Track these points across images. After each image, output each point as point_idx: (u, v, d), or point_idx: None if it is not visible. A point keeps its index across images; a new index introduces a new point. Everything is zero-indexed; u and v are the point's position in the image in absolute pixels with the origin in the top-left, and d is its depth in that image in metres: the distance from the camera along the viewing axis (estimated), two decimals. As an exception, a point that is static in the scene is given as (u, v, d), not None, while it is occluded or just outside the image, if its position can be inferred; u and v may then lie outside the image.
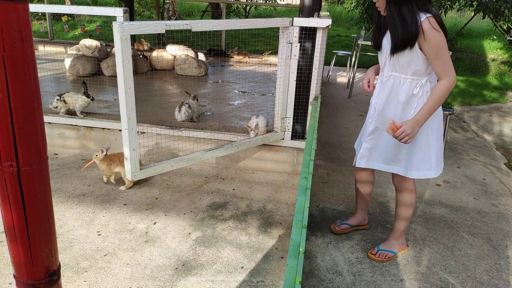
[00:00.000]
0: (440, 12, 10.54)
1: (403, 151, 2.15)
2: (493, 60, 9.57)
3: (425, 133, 2.08)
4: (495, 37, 10.61)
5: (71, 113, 3.65)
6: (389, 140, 2.13)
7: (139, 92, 4.75)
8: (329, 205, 2.99)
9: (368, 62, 8.81)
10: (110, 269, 2.12)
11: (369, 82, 2.23)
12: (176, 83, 5.48)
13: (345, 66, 7.97)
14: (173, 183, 3.14)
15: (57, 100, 3.60)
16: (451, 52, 5.80)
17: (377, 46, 2.11)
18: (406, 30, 1.84)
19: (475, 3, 9.90)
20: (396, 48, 1.91)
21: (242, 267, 2.21)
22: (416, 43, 1.86)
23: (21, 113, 0.83)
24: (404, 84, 2.02)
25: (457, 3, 10.27)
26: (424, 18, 1.81)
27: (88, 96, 3.56)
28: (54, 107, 3.63)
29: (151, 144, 3.45)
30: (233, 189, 3.09)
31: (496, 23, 10.00)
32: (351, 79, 6.49)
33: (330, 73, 7.45)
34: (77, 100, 3.56)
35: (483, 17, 10.23)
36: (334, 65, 7.64)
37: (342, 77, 7.74)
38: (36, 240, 0.90)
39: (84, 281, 2.02)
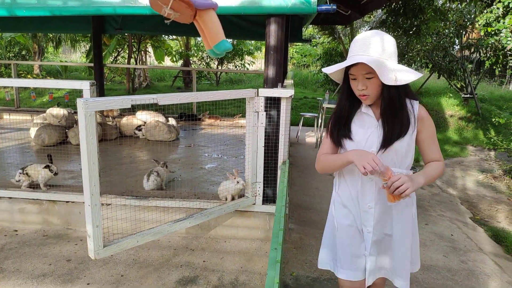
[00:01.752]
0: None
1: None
2: (451, 116, 10.17)
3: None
4: (451, 95, 11.37)
5: (34, 186, 3.52)
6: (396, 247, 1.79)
7: (107, 160, 4.68)
8: (303, 273, 2.92)
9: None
10: None
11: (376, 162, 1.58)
12: (145, 149, 5.45)
13: (313, 126, 8.23)
14: (140, 257, 3.01)
15: (20, 173, 3.48)
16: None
17: (348, 138, 1.73)
18: (407, 116, 1.63)
19: (430, 64, 10.72)
20: (396, 138, 1.63)
21: None
22: (415, 131, 1.67)
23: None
24: None
25: (413, 64, 11.08)
26: (418, 105, 1.67)
27: (51, 171, 3.46)
28: (16, 181, 3.51)
29: (117, 217, 3.34)
30: (204, 261, 2.98)
31: (450, 82, 10.77)
32: (319, 139, 6.68)
33: (299, 134, 7.66)
34: (39, 172, 3.46)
35: (438, 77, 11.03)
36: (303, 125, 7.89)
37: (311, 137, 7.96)
38: None
39: None
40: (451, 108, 10.62)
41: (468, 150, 7.89)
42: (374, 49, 1.54)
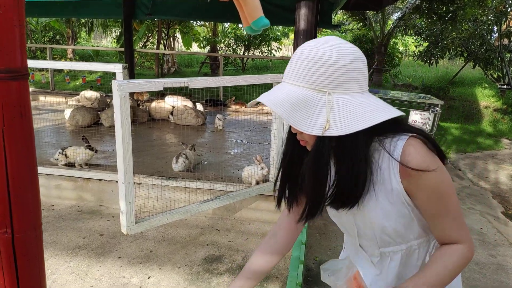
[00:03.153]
0: (431, 62, 10.96)
1: None
2: (486, 107, 9.81)
3: None
4: (486, 85, 10.96)
5: (70, 165, 3.69)
6: None
7: (138, 142, 4.83)
8: (326, 258, 2.95)
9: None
10: (101, 329, 2.07)
11: None
12: (174, 133, 5.58)
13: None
14: (168, 235, 3.12)
15: (59, 153, 3.65)
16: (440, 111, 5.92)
17: (315, 211, 1.02)
18: (360, 173, 0.93)
19: (465, 53, 10.33)
20: (346, 205, 0.98)
21: (236, 325, 2.15)
22: (403, 193, 0.96)
23: (17, 182, 0.87)
24: (412, 255, 1.09)
25: (447, 53, 10.71)
26: (403, 143, 0.92)
27: (91, 149, 3.63)
28: (54, 159, 3.68)
29: (147, 195, 3.46)
30: (229, 241, 3.06)
31: (486, 72, 10.36)
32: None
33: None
34: (79, 154, 3.62)
35: (474, 67, 10.63)
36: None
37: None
38: (26, 307, 0.90)
39: None
40: (486, 99, 10.24)
41: (502, 143, 7.62)
42: (303, 72, 0.89)
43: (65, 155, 3.63)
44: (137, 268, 2.64)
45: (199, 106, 6.42)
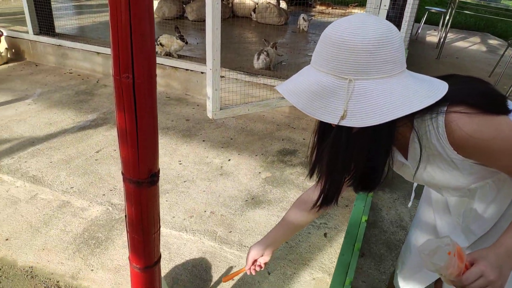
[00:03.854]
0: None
1: None
2: None
3: None
4: None
5: (168, 55, 3.88)
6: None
7: (220, 37, 4.88)
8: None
9: (464, 22, 8.00)
10: (189, 194, 2.36)
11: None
12: (255, 31, 5.51)
13: (437, 24, 7.34)
14: (247, 127, 3.29)
15: (156, 44, 3.83)
16: None
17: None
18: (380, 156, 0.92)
19: None
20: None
21: (306, 210, 2.32)
22: (466, 159, 0.92)
23: (138, 33, 0.95)
24: (503, 182, 1.04)
25: None
26: (443, 120, 0.87)
27: (182, 40, 3.77)
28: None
29: (229, 89, 3.61)
30: (303, 139, 3.16)
31: None
32: (442, 39, 6.00)
33: (419, 31, 6.95)
34: (172, 44, 3.79)
35: None
36: (425, 22, 7.08)
37: (433, 36, 7.18)
38: (143, 143, 1.06)
39: (166, 201, 2.29)
40: None
41: None
42: (325, 58, 0.83)
43: (160, 44, 3.81)
44: (219, 151, 2.88)
45: (283, 5, 6.17)
